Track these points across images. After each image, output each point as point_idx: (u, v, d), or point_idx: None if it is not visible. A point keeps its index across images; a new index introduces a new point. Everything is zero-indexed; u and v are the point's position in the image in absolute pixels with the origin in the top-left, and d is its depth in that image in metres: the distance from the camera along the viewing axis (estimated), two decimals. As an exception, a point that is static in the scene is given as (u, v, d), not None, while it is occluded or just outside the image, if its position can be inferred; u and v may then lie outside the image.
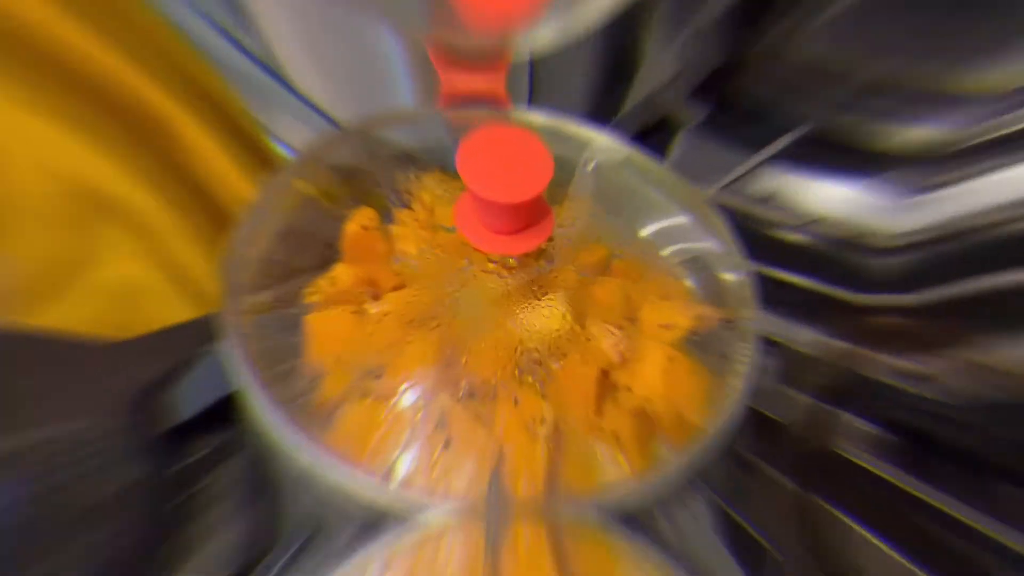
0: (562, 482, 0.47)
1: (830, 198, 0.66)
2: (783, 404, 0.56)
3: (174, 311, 0.68)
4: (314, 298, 0.55)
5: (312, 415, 0.49)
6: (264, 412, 0.45)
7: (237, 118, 0.75)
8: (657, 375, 0.52)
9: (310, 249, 0.56)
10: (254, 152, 0.77)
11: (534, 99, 0.71)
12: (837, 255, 0.63)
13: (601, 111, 0.70)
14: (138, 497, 0.39)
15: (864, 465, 0.47)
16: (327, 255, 0.56)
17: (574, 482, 0.47)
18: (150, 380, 0.45)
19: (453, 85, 0.64)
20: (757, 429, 0.51)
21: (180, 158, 0.68)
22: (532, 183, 0.47)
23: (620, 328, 0.53)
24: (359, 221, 0.56)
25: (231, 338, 0.47)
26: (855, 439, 0.50)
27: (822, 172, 0.66)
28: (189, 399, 0.50)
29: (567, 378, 0.52)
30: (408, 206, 0.59)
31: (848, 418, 0.52)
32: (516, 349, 0.52)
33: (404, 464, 0.47)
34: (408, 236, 0.57)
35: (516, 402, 0.50)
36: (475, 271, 0.54)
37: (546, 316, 0.52)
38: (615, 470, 0.49)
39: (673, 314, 0.55)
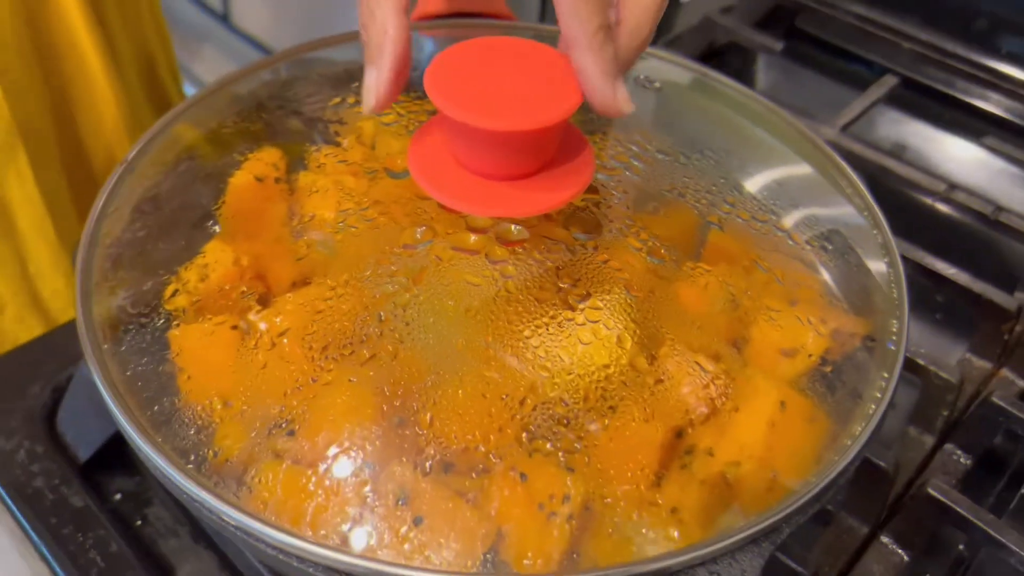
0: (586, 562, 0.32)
1: (960, 158, 0.61)
2: (897, 447, 0.43)
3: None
4: (178, 302, 0.37)
5: (217, 475, 0.33)
6: (155, 468, 0.31)
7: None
8: (759, 431, 0.33)
9: (179, 223, 0.38)
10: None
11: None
12: (983, 237, 0.52)
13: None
14: (98, 516, 0.37)
15: (946, 502, 0.37)
16: (200, 232, 0.38)
17: (602, 560, 0.32)
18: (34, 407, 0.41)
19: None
20: (852, 478, 0.36)
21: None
22: (552, 99, 0.29)
23: (717, 359, 0.34)
24: (253, 169, 0.38)
25: (89, 363, 0.33)
26: (948, 474, 0.41)
27: (943, 125, 0.62)
28: (79, 434, 0.40)
29: (615, 444, 0.33)
30: (334, 142, 0.39)
31: (950, 450, 0.42)
32: (522, 402, 0.32)
33: (359, 538, 0.30)
34: (326, 190, 0.37)
35: (522, 478, 0.32)
36: (439, 251, 0.33)
37: (585, 341, 0.33)
38: (661, 546, 0.33)
39: (802, 333, 0.35)
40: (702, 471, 0.33)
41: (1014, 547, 0.35)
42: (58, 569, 0.35)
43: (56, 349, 0.43)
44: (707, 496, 0.33)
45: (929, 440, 0.43)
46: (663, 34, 0.61)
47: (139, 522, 0.38)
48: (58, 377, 0.41)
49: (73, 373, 0.40)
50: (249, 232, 0.38)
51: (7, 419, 0.40)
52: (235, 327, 0.35)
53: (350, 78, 0.40)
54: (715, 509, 0.33)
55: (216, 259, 0.37)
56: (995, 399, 0.41)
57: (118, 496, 0.39)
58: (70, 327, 0.43)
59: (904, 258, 0.43)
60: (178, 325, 0.35)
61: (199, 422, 0.34)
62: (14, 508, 0.37)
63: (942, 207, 0.51)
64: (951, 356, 0.47)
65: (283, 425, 0.33)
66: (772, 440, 0.33)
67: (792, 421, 0.33)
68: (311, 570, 0.27)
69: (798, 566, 0.33)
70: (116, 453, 0.39)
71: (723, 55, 0.64)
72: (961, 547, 0.40)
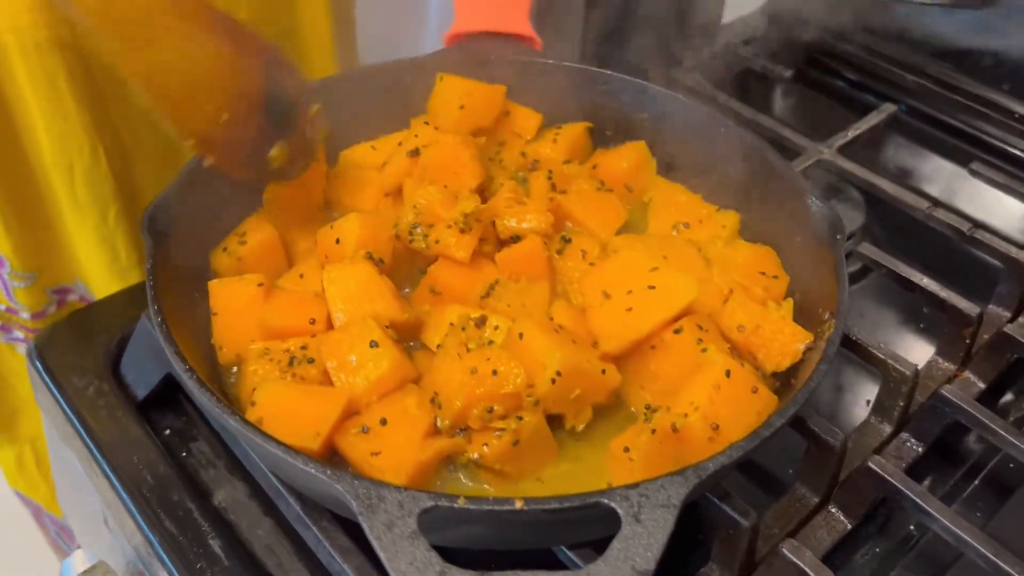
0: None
1: (948, 180, 0.66)
2: (855, 433, 0.46)
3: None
4: (221, 261, 0.44)
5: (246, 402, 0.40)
6: (203, 404, 0.37)
7: None
8: (706, 391, 0.38)
9: (229, 203, 0.46)
10: None
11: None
12: (961, 251, 0.56)
13: (665, 55, 0.65)
14: (150, 444, 0.44)
15: (881, 474, 0.41)
16: (245, 210, 0.46)
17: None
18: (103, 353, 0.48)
19: (468, 19, 0.56)
20: (812, 454, 0.42)
21: None
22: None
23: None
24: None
25: (152, 313, 0.38)
26: (900, 459, 0.45)
27: (937, 150, 0.68)
28: (138, 376, 0.46)
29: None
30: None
31: (905, 438, 0.46)
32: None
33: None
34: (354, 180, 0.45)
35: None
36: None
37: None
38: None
39: (751, 314, 0.43)
40: (658, 423, 0.38)
41: (937, 514, 0.39)
42: (116, 483, 0.42)
43: (123, 306, 0.50)
44: (656, 441, 0.38)
45: (887, 429, 0.46)
46: (685, 60, 0.67)
47: (184, 454, 0.44)
48: (125, 329, 0.47)
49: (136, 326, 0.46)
50: (286, 210, 0.46)
51: (81, 361, 0.47)
52: (260, 284, 0.42)
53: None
54: (661, 453, 0.38)
55: (254, 229, 0.44)
56: (944, 392, 0.44)
57: (167, 431, 0.45)
58: (134, 288, 0.51)
59: (880, 265, 0.48)
60: (215, 279, 0.42)
61: (227, 361, 0.41)
62: (84, 434, 0.44)
63: (925, 223, 0.55)
64: (923, 359, 0.49)
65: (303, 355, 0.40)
66: (717, 399, 0.38)
67: (736, 388, 0.39)
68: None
69: (740, 518, 0.37)
70: (169, 398, 0.46)
71: (744, 81, 0.70)
72: (912, 528, 0.43)
